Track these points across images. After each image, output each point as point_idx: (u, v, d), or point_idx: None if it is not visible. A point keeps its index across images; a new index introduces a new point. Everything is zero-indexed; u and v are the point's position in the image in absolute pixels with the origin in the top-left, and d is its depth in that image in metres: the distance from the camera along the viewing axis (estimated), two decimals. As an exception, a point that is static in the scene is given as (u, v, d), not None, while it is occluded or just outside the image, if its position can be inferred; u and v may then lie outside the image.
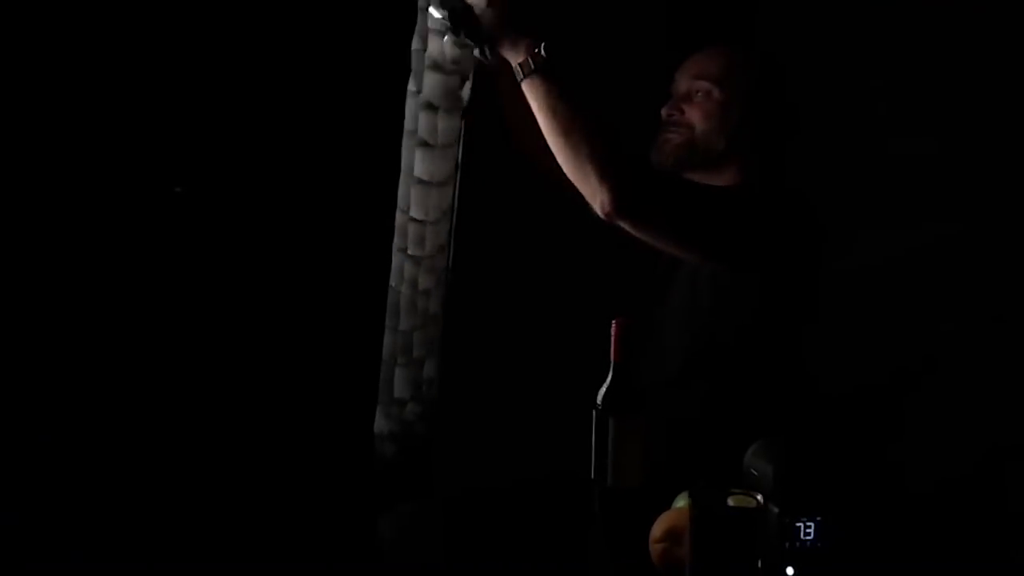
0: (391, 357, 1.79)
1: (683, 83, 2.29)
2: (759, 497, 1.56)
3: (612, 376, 1.83)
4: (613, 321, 1.84)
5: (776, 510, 1.57)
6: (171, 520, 1.57)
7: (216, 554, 1.55)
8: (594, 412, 1.83)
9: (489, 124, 2.23)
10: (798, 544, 1.57)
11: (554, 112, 2.02)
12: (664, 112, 2.29)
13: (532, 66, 2.03)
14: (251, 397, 1.66)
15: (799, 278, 2.24)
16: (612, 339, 1.83)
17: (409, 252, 1.92)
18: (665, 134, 2.28)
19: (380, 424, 1.75)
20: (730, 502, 1.55)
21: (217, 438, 1.62)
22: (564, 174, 2.08)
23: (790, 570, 1.57)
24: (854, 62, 2.83)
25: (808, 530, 1.58)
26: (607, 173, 1.99)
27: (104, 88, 1.50)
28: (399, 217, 1.94)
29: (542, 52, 2.02)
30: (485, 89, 2.17)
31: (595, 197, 2.00)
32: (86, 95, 1.49)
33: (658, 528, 1.66)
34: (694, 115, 2.25)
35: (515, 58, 2.04)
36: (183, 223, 1.58)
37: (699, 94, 2.25)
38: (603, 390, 1.83)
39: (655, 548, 1.66)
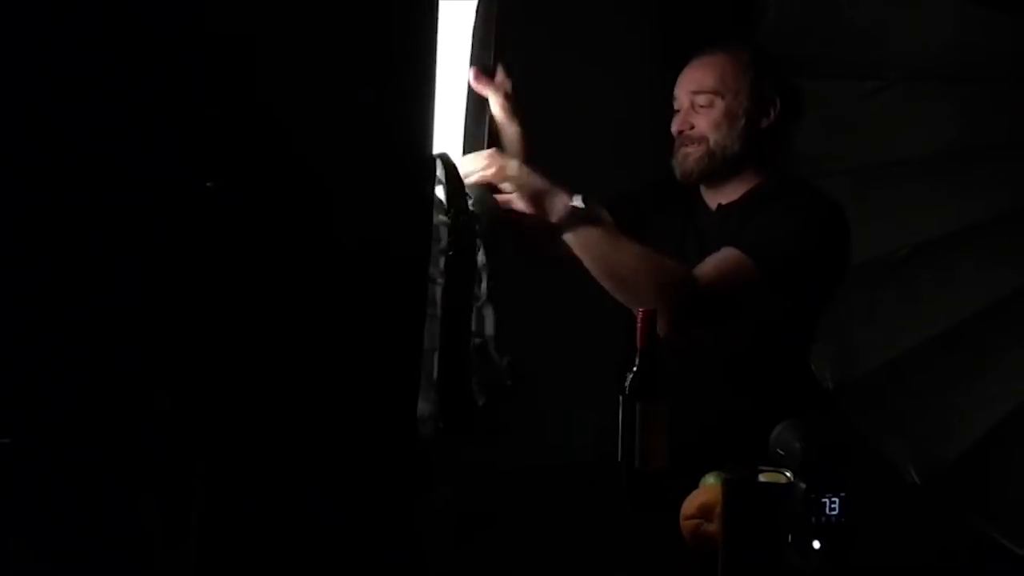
0: (430, 345, 1.86)
1: (684, 98, 2.37)
2: (788, 474, 1.64)
3: (638, 363, 1.90)
4: (640, 310, 1.91)
5: (803, 486, 1.64)
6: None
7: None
8: (620, 397, 1.90)
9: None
10: (824, 519, 1.64)
11: (596, 258, 2.09)
12: (675, 129, 2.37)
13: (572, 220, 2.08)
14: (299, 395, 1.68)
15: (828, 278, 2.34)
16: (638, 327, 1.90)
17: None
18: (683, 149, 2.36)
19: (421, 408, 1.81)
20: (762, 478, 1.62)
21: (262, 433, 1.65)
22: None
23: (816, 544, 1.64)
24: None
25: (833, 505, 1.65)
26: (660, 311, 2.03)
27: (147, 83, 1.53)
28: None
29: (580, 204, 2.08)
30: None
31: None
32: (124, 86, 1.51)
33: (690, 505, 1.73)
34: (704, 126, 2.33)
35: (554, 216, 2.08)
36: (229, 217, 1.61)
37: (702, 107, 2.33)
38: (629, 376, 1.90)
39: (687, 524, 1.73)
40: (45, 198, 1.53)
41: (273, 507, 1.60)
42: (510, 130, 2.33)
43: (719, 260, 2.18)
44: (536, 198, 2.08)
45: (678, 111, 2.38)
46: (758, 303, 2.21)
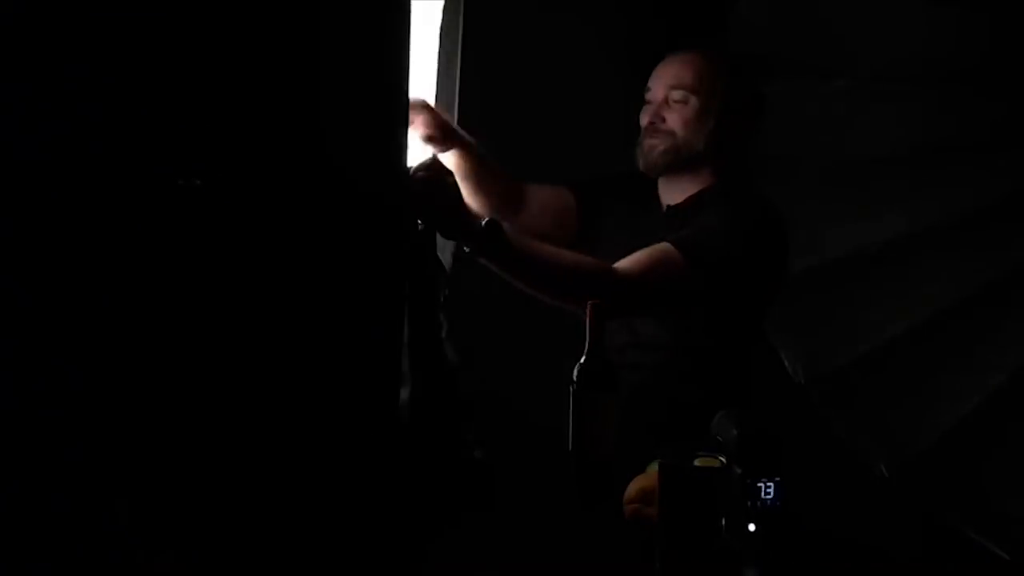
0: None
1: (659, 90, 2.40)
2: (722, 458, 1.69)
3: (586, 355, 1.95)
4: (588, 303, 1.97)
5: (739, 471, 1.69)
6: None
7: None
8: (570, 388, 1.95)
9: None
10: (759, 503, 1.69)
11: (516, 275, 2.12)
12: (645, 120, 2.41)
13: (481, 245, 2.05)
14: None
15: (764, 281, 2.38)
16: (587, 320, 1.96)
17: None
18: (649, 140, 2.40)
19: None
20: (696, 463, 1.68)
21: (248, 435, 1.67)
22: None
23: (752, 527, 1.69)
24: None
25: (768, 490, 1.70)
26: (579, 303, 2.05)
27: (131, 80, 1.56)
28: None
29: (483, 225, 2.04)
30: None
31: None
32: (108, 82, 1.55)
33: (631, 489, 1.79)
34: (674, 122, 2.37)
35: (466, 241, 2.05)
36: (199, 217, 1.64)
37: (676, 102, 2.37)
38: (577, 368, 1.95)
39: (628, 508, 1.79)
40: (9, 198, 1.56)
41: (254, 503, 1.63)
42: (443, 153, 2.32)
43: (647, 251, 2.22)
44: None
45: (649, 103, 2.42)
46: (689, 295, 2.25)
